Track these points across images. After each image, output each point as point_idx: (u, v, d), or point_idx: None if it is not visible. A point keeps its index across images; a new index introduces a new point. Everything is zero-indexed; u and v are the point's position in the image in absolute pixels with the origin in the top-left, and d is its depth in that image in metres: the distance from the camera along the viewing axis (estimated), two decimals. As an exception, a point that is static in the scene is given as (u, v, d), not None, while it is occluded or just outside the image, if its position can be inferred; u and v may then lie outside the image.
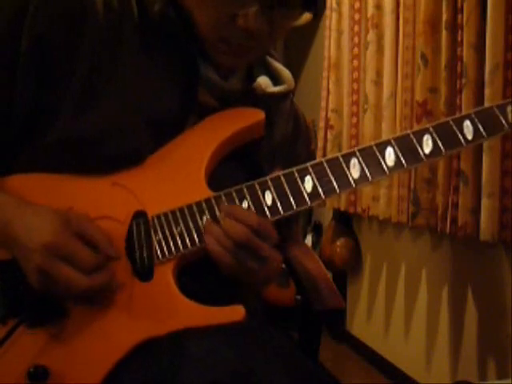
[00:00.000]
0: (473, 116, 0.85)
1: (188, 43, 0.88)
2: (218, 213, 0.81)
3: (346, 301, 3.18)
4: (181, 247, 0.81)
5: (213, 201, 0.82)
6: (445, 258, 2.36)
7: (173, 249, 0.81)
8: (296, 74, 3.07)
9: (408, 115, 2.36)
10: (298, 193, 0.82)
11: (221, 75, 0.92)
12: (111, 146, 0.83)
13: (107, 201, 0.84)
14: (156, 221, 0.82)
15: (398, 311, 2.73)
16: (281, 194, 0.82)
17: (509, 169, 1.86)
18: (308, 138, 1.14)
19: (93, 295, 0.77)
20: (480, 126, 0.85)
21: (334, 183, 0.82)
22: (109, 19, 0.86)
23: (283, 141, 1.01)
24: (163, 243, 0.81)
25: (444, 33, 2.10)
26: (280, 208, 0.82)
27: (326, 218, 3.25)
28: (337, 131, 2.98)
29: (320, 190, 0.82)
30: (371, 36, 2.66)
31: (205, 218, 0.81)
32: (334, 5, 3.00)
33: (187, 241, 0.81)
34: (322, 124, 3.08)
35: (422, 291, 2.54)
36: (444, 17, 2.09)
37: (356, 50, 2.86)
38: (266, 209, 0.82)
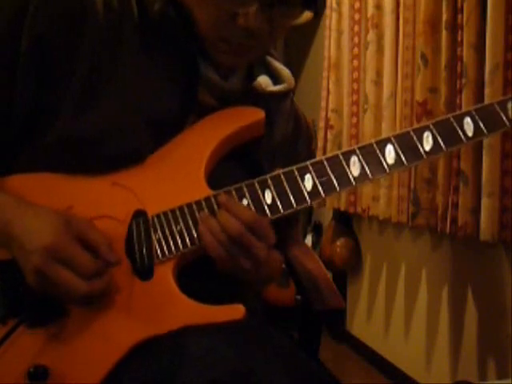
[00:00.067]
0: (473, 113, 0.85)
1: (188, 42, 0.88)
2: (216, 209, 0.81)
3: (346, 301, 3.18)
4: (181, 246, 0.81)
5: (212, 199, 0.82)
6: (445, 258, 2.36)
7: (173, 248, 0.80)
8: (296, 74, 3.06)
9: (408, 115, 2.36)
10: (298, 191, 0.82)
11: (221, 75, 0.92)
12: (111, 145, 0.83)
13: (107, 200, 0.84)
14: (156, 220, 0.82)
15: (398, 311, 2.72)
16: (281, 193, 0.82)
17: (509, 168, 1.86)
18: (308, 137, 1.14)
19: (91, 300, 0.76)
20: (480, 123, 0.85)
21: (334, 181, 0.82)
22: (109, 19, 0.86)
23: (283, 140, 1.01)
24: (163, 242, 0.81)
25: (444, 33, 2.10)
26: (280, 206, 0.82)
27: (326, 217, 3.25)
28: (337, 131, 2.98)
29: (320, 188, 0.82)
30: (371, 36, 2.66)
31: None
32: (334, 5, 3.00)
33: (187, 240, 0.81)
34: (321, 124, 3.08)
35: (422, 291, 2.54)
36: (444, 17, 2.09)
37: (356, 49, 2.86)
38: (265, 207, 0.82)
